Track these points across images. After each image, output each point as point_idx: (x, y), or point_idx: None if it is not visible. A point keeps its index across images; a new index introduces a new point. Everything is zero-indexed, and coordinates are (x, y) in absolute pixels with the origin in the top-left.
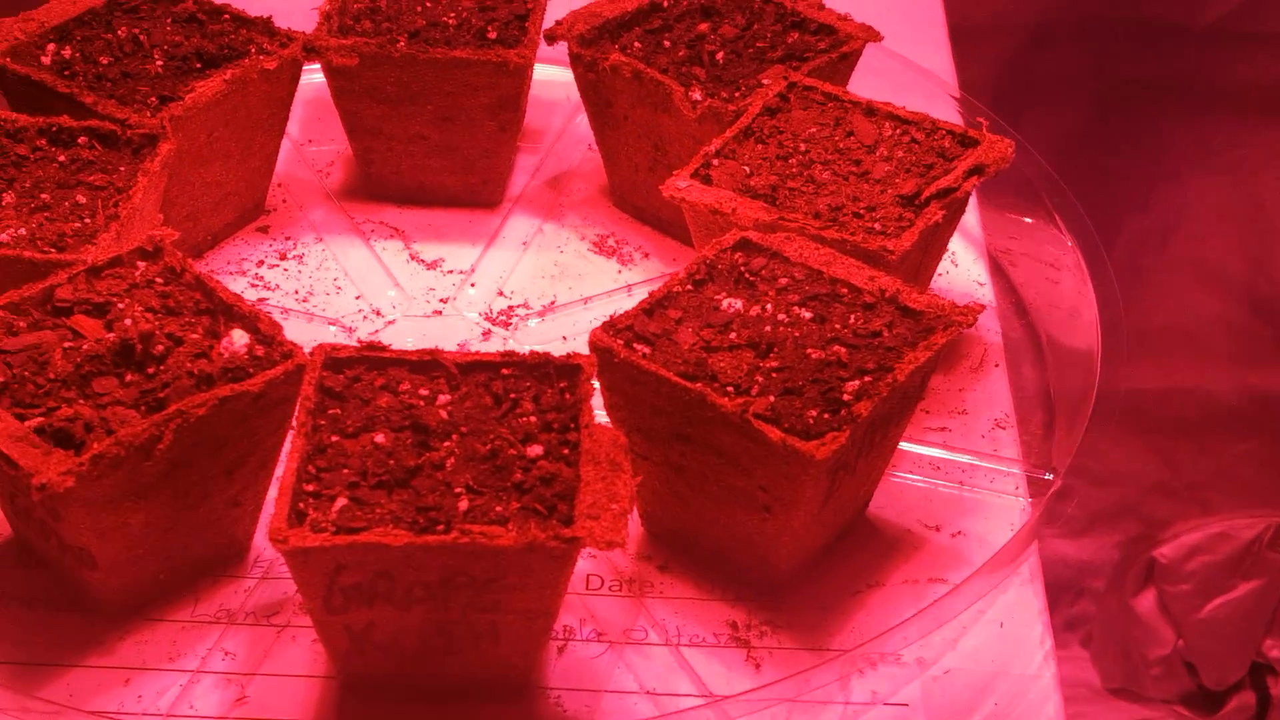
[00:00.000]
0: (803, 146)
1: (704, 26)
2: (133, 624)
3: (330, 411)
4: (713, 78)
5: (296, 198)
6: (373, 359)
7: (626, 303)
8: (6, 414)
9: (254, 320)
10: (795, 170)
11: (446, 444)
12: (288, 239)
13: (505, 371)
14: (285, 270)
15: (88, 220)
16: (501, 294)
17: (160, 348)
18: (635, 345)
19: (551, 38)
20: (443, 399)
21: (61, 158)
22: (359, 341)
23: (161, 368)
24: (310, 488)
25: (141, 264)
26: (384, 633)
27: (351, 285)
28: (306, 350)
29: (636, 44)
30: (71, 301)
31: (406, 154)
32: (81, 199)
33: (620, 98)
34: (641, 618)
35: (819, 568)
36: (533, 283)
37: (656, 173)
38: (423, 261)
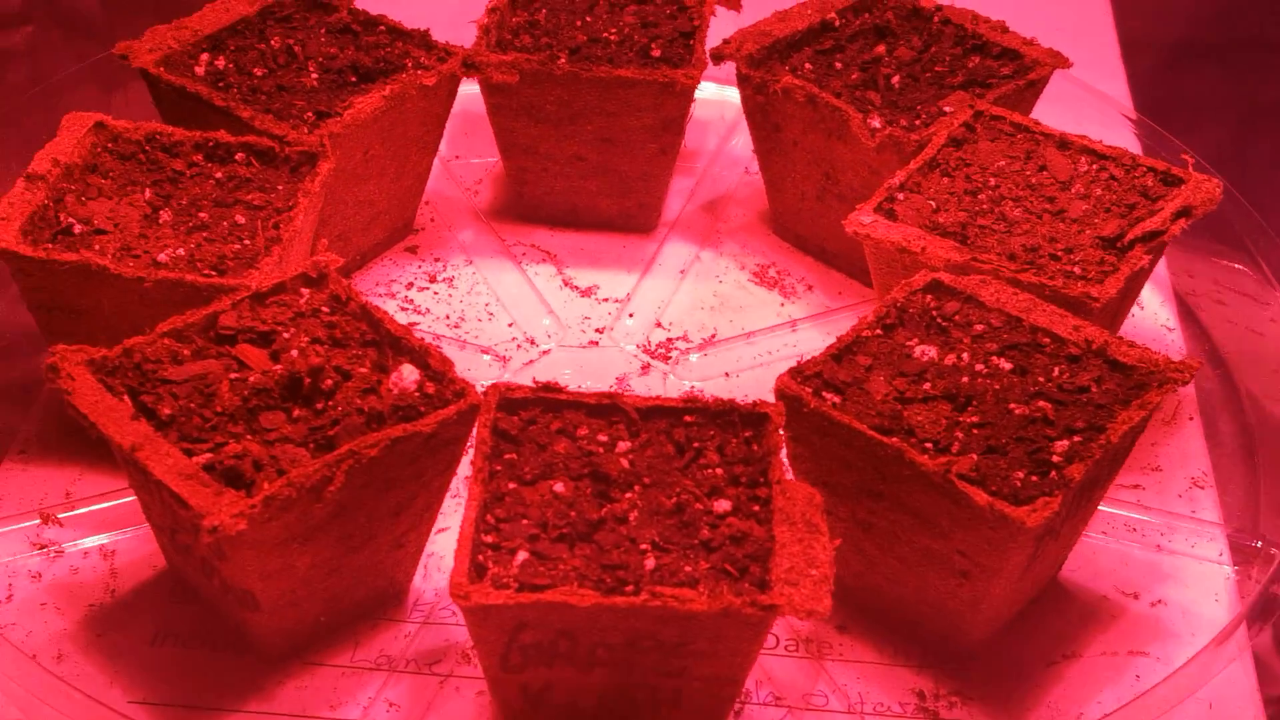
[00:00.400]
0: (992, 181)
1: (880, 48)
2: (292, 668)
3: (506, 456)
4: (888, 103)
5: (445, 217)
6: (549, 400)
7: (791, 339)
8: (175, 449)
9: (424, 355)
10: (985, 207)
11: (629, 495)
12: (437, 260)
13: (688, 419)
14: (435, 294)
15: (247, 242)
16: (660, 325)
17: (329, 382)
18: (824, 394)
19: (719, 57)
20: (622, 446)
21: (218, 174)
22: (535, 382)
23: (330, 403)
24: (489, 539)
25: (306, 291)
26: (562, 694)
27: (504, 311)
28: (478, 388)
29: (807, 65)
30: (236, 329)
31: (562, 175)
32: (240, 219)
33: (791, 122)
34: (821, 681)
35: (1010, 635)
36: (691, 314)
37: (825, 202)
38: (576, 288)
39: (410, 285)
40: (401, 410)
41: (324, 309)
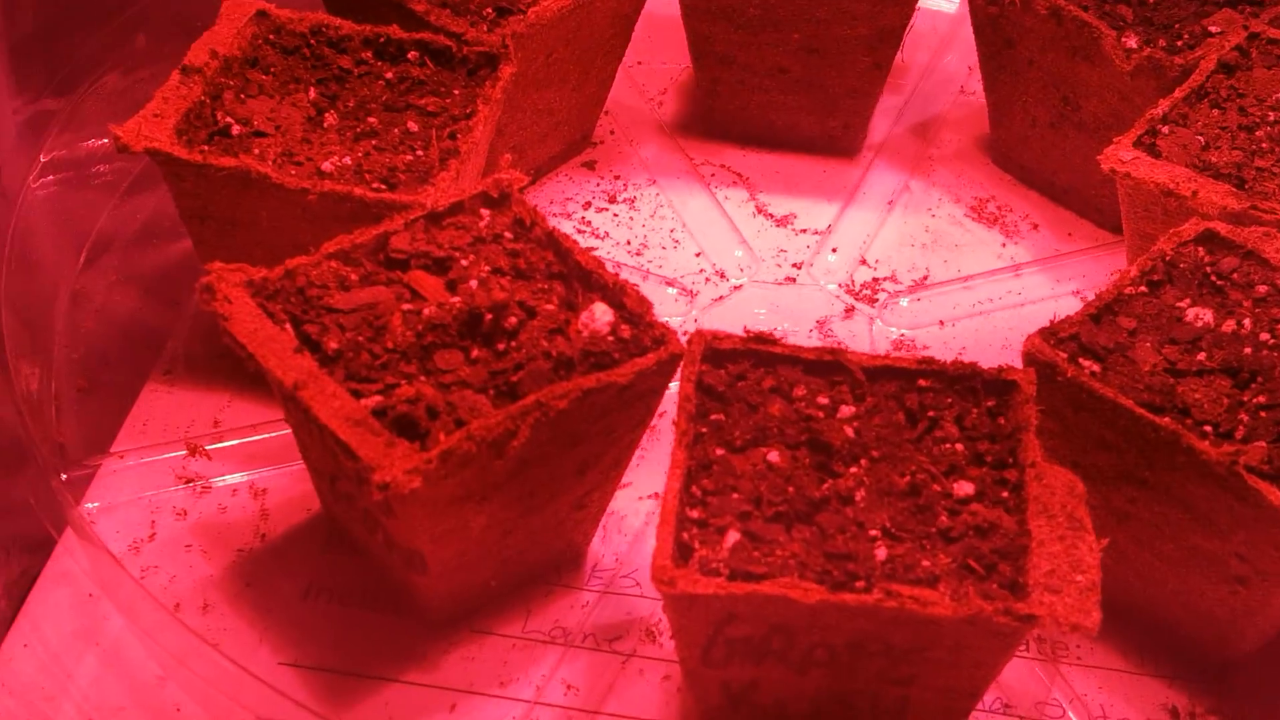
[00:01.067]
0: (1271, 115)
1: None
2: (459, 636)
3: (713, 417)
4: (1142, 20)
5: (626, 129)
6: (761, 354)
7: (1014, 286)
8: (342, 390)
9: (619, 292)
10: (1265, 146)
11: (854, 470)
12: (617, 178)
13: (922, 383)
14: (615, 216)
15: (420, 153)
16: (865, 263)
17: (513, 320)
18: (1081, 361)
19: None
20: (845, 411)
21: (389, 74)
22: (746, 331)
23: (513, 344)
24: (695, 514)
25: (486, 213)
26: (769, 695)
27: (690, 240)
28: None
29: None
30: (409, 253)
31: (760, 89)
32: (412, 126)
33: (1028, 37)
34: (1057, 689)
35: (1275, 647)
36: (900, 251)
37: (1060, 130)
38: (771, 216)
39: (588, 205)
40: (593, 357)
41: (506, 234)
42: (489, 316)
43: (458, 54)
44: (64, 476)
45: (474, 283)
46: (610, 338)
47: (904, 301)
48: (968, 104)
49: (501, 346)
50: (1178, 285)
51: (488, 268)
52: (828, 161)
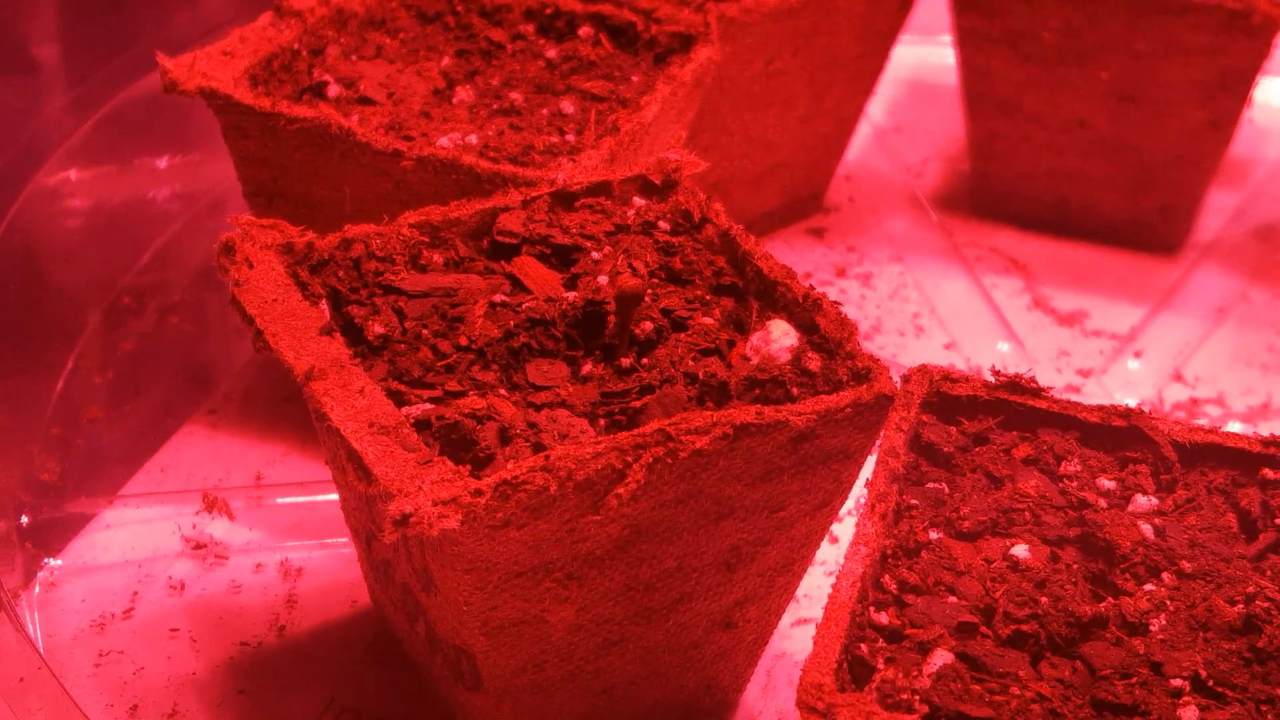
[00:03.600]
0: None
1: None
2: None
3: (930, 485)
4: None
5: (870, 198)
6: (1018, 408)
7: None
8: (377, 388)
9: (811, 310)
10: None
11: (1150, 587)
12: (850, 250)
13: (1269, 473)
14: (843, 292)
15: (570, 137)
16: (1180, 378)
17: (649, 325)
18: None
19: None
20: (1144, 502)
21: (551, 53)
22: (994, 373)
23: (645, 360)
24: (884, 618)
25: (640, 200)
26: None
27: (940, 329)
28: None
29: None
30: (522, 237)
31: (1051, 149)
32: (568, 107)
33: None
34: None
35: None
36: (1233, 370)
37: None
38: (1053, 312)
39: (808, 276)
40: (760, 387)
41: (663, 226)
42: (613, 317)
43: (644, 33)
44: (24, 520)
45: (603, 279)
46: (790, 367)
47: (1235, 428)
48: None
49: (628, 362)
50: None
51: (627, 261)
52: (1136, 256)
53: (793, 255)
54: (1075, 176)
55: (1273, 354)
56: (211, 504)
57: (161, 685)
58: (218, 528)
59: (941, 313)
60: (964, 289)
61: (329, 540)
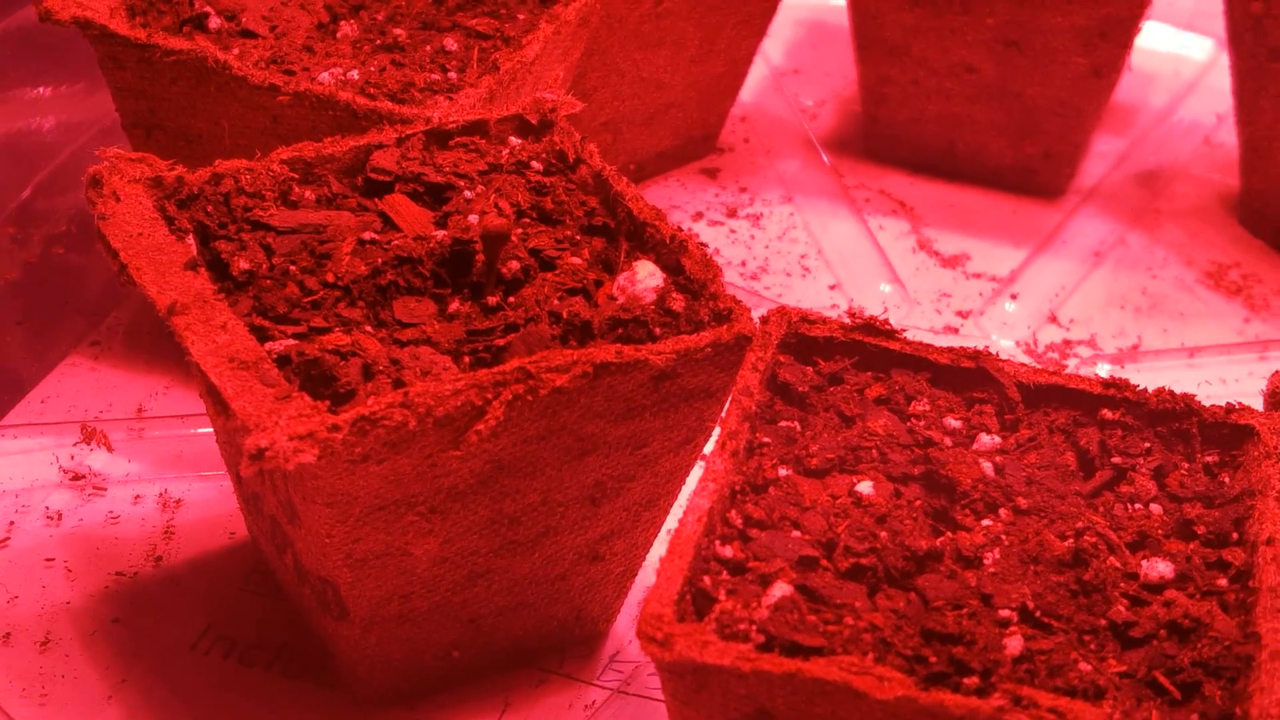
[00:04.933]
0: None
1: None
2: None
3: (783, 424)
4: None
5: (765, 139)
6: (872, 349)
7: (1258, 370)
8: (240, 323)
9: (678, 251)
10: None
11: (988, 523)
12: (742, 190)
13: (1107, 414)
14: (733, 232)
15: (452, 74)
16: (1055, 320)
17: (515, 264)
18: None
19: None
20: (987, 441)
21: None
22: (850, 315)
23: (512, 299)
24: (729, 551)
25: (516, 140)
26: None
27: (826, 269)
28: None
29: None
30: (394, 175)
31: (940, 93)
32: (451, 45)
33: None
34: None
35: None
36: (1105, 313)
37: None
38: (937, 254)
39: (699, 216)
40: (623, 326)
41: (535, 165)
42: (481, 256)
43: None
44: None
45: (474, 217)
46: (654, 307)
47: (1102, 369)
48: (1211, 158)
49: (494, 301)
50: None
51: (502, 202)
52: (1020, 200)
53: (685, 195)
54: (963, 122)
55: (1145, 297)
56: (90, 435)
57: (35, 614)
58: (97, 459)
59: (828, 254)
60: (851, 230)
61: (209, 473)
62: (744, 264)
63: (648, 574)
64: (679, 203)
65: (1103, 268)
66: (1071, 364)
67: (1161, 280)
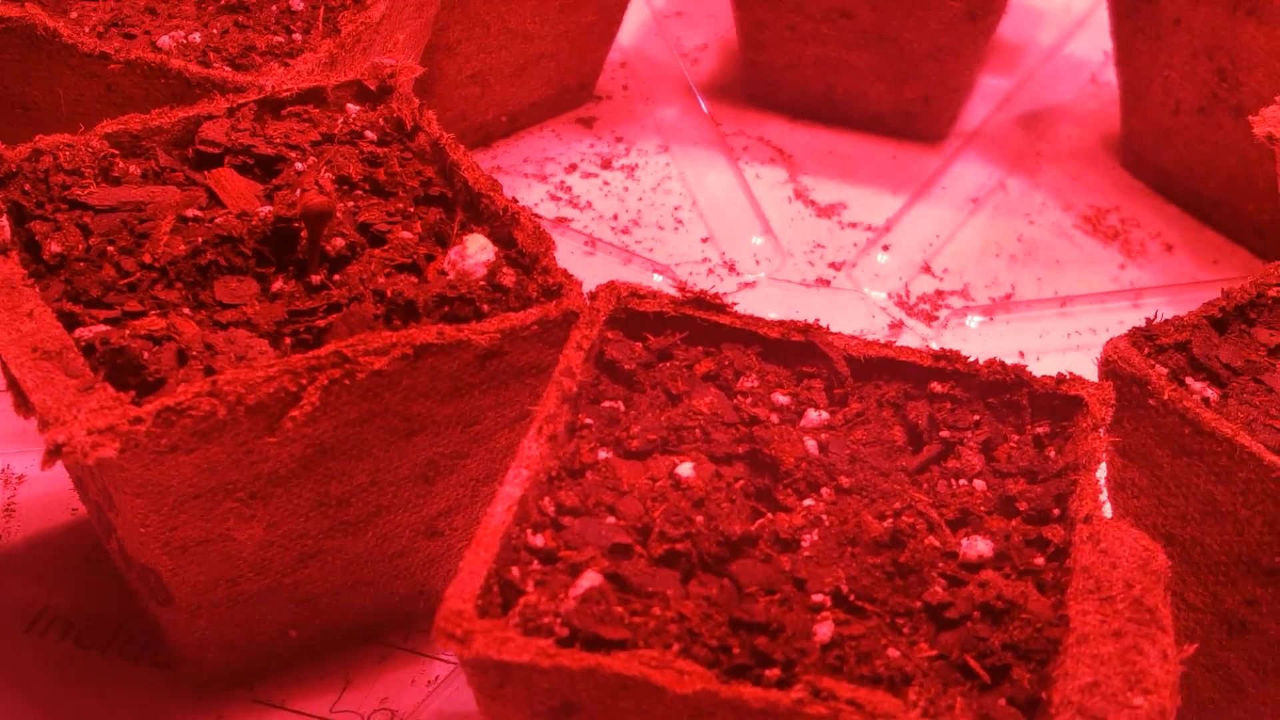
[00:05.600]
0: None
1: None
2: (234, 706)
3: (605, 404)
4: None
5: (643, 85)
6: (700, 322)
7: (1130, 318)
8: (48, 311)
9: (510, 224)
10: None
11: (809, 503)
12: (619, 140)
13: (937, 387)
14: (606, 184)
15: (297, 36)
16: (928, 270)
17: (340, 242)
18: (1190, 381)
19: None
20: (814, 417)
21: None
22: (682, 288)
23: (337, 277)
24: (539, 540)
25: (354, 107)
26: None
27: (699, 221)
28: (589, 290)
29: None
30: (224, 147)
31: (816, 38)
32: (297, 4)
33: None
34: None
35: None
36: (979, 262)
37: (1213, 118)
38: (813, 204)
39: (573, 168)
40: (449, 305)
41: (369, 134)
42: (304, 233)
43: None
44: None
45: (300, 191)
46: (483, 283)
47: (973, 321)
48: (1098, 96)
49: (318, 279)
50: None
51: (331, 176)
52: (900, 145)
53: (560, 145)
54: (840, 67)
55: (1021, 244)
56: None
57: None
58: None
59: (702, 205)
60: (727, 181)
61: None
62: (615, 217)
63: None
64: (553, 154)
65: (980, 214)
66: (942, 314)
67: (1039, 226)
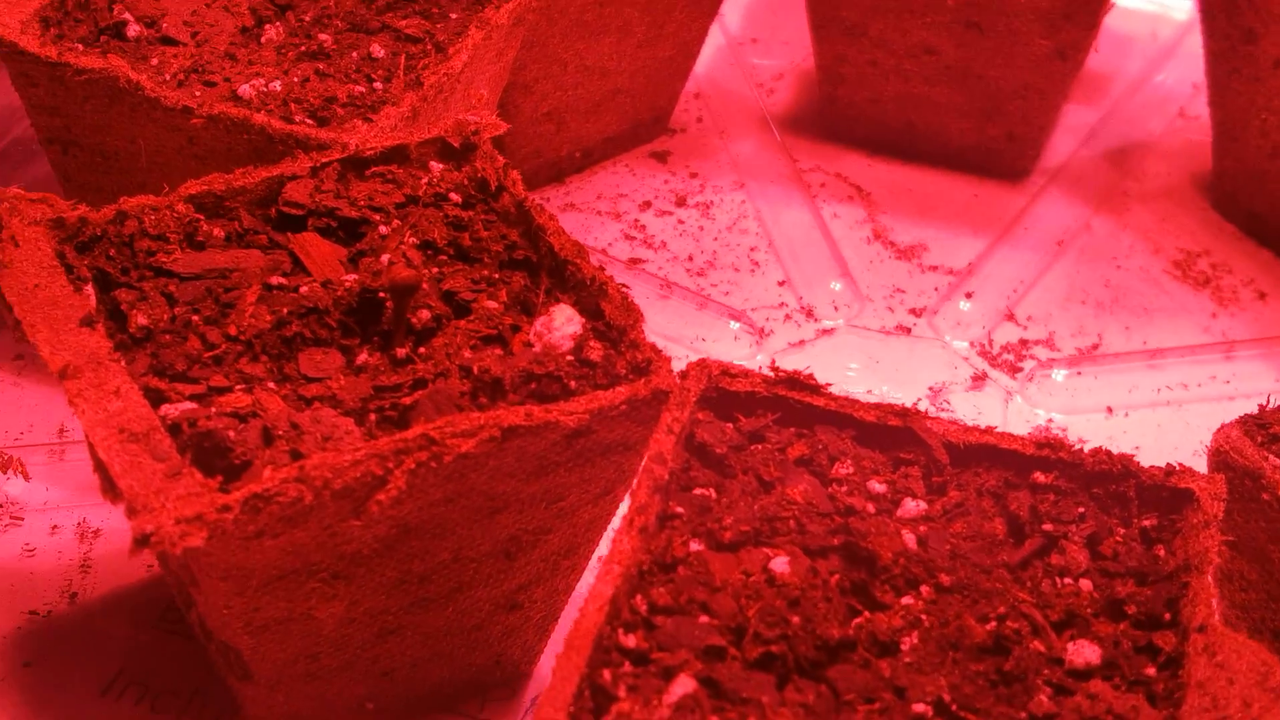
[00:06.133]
0: None
1: None
2: None
3: (698, 492)
4: None
5: (719, 118)
6: (795, 405)
7: (1222, 371)
8: (134, 388)
9: (598, 293)
10: None
11: (908, 601)
12: (694, 176)
13: (1040, 477)
14: (681, 223)
15: (378, 85)
16: (1012, 318)
17: (426, 314)
18: None
19: None
20: (911, 507)
21: None
22: (773, 369)
23: (423, 350)
24: (632, 640)
25: (437, 166)
26: None
27: (776, 263)
28: (679, 367)
29: None
30: (307, 208)
31: (899, 74)
32: (378, 50)
33: (1276, 28)
34: None
35: None
36: (1065, 309)
37: None
38: (892, 245)
39: (647, 205)
40: (536, 381)
41: (453, 197)
42: (390, 305)
43: None
44: None
45: (387, 257)
46: (571, 357)
47: (1059, 374)
48: (1187, 132)
49: (402, 353)
50: None
51: (415, 240)
52: (983, 183)
53: (635, 181)
54: (922, 102)
55: (1108, 289)
56: (7, 464)
57: None
58: (15, 486)
59: (779, 245)
60: (804, 219)
61: None
62: (691, 258)
63: (574, 609)
64: (627, 190)
65: (1065, 258)
66: (1027, 365)
67: (1126, 271)
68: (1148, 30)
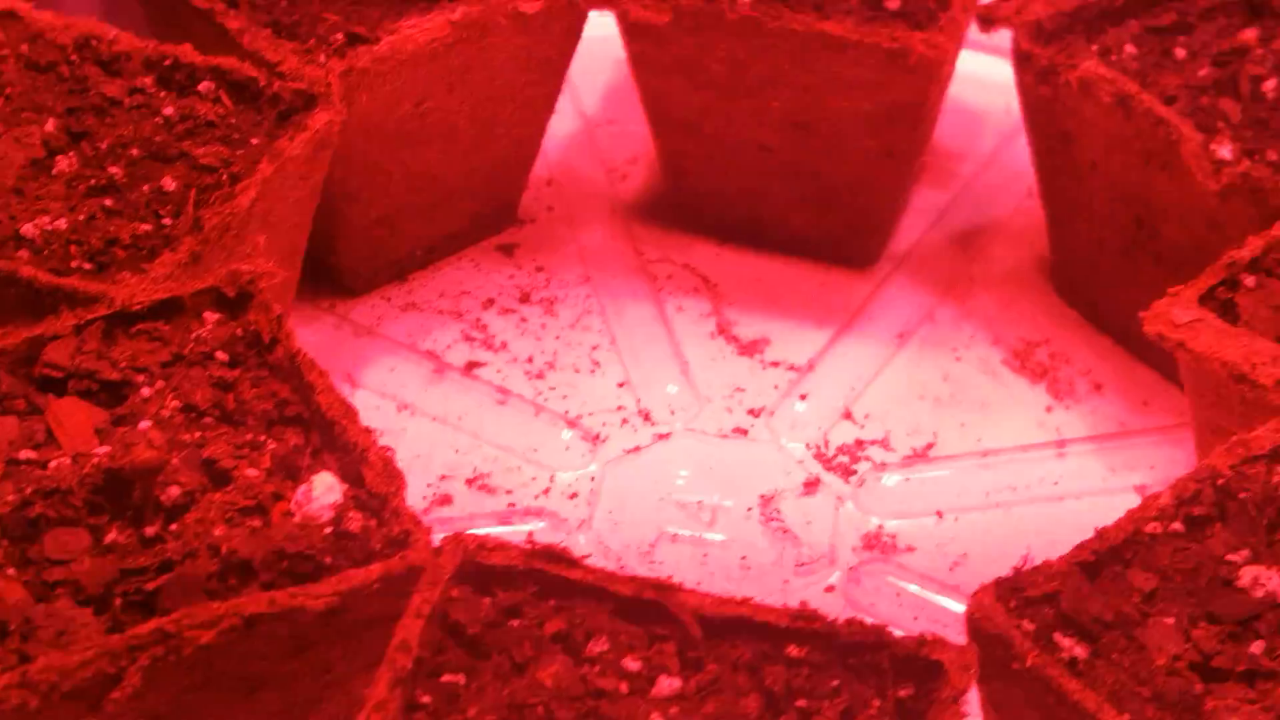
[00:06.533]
0: None
1: (1248, 35)
2: None
3: (446, 679)
4: (1252, 121)
5: (569, 206)
6: (552, 579)
7: (1055, 470)
8: None
9: (359, 457)
10: None
11: None
12: (540, 270)
13: (793, 651)
14: (524, 321)
15: (166, 221)
16: (850, 417)
17: (176, 490)
18: (1059, 639)
19: (989, 21)
20: (665, 685)
21: (168, 110)
22: (532, 542)
23: (174, 526)
24: None
25: (212, 316)
26: None
27: (617, 363)
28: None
29: (1129, 48)
30: (68, 370)
31: (736, 168)
32: (170, 183)
33: (1089, 133)
34: None
35: None
36: (903, 406)
37: (1134, 260)
38: (737, 340)
39: (490, 303)
40: (288, 560)
41: (219, 355)
42: (137, 485)
43: (266, 90)
44: None
45: (148, 424)
46: (329, 529)
47: (891, 479)
48: (1036, 211)
49: (152, 531)
50: (1231, 525)
51: (177, 404)
52: (830, 271)
53: (479, 277)
54: (764, 195)
55: (946, 383)
56: None
57: None
58: None
59: (621, 344)
60: (648, 315)
61: None
62: (531, 359)
63: None
64: (470, 287)
65: (906, 349)
66: (861, 468)
67: (965, 362)
68: (1002, 104)
